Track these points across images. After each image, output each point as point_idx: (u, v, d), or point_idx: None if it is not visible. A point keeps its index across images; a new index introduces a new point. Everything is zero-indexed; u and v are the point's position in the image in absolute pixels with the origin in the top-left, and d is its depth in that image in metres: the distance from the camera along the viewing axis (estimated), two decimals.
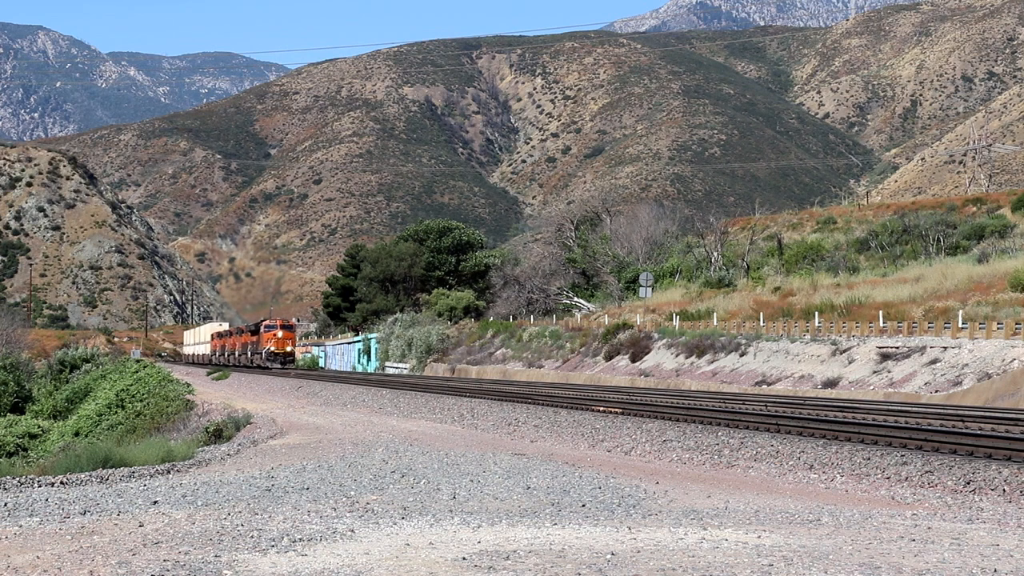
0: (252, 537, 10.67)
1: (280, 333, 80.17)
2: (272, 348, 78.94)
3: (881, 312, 43.24)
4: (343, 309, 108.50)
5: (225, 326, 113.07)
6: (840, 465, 17.16)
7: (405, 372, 75.58)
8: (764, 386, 42.33)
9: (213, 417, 34.70)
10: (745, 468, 18.13)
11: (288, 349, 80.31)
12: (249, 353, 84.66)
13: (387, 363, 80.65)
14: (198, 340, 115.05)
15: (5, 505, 14.73)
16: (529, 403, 32.34)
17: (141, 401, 46.36)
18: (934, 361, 36.80)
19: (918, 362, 37.44)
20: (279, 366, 77.68)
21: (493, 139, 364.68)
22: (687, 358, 50.38)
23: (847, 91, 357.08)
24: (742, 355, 46.88)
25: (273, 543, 10.32)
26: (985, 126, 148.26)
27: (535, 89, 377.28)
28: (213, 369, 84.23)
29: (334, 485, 15.32)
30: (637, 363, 53.71)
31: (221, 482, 16.48)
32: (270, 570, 9.13)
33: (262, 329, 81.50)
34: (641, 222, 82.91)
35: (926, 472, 15.83)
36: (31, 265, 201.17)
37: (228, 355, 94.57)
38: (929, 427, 19.95)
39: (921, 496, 14.50)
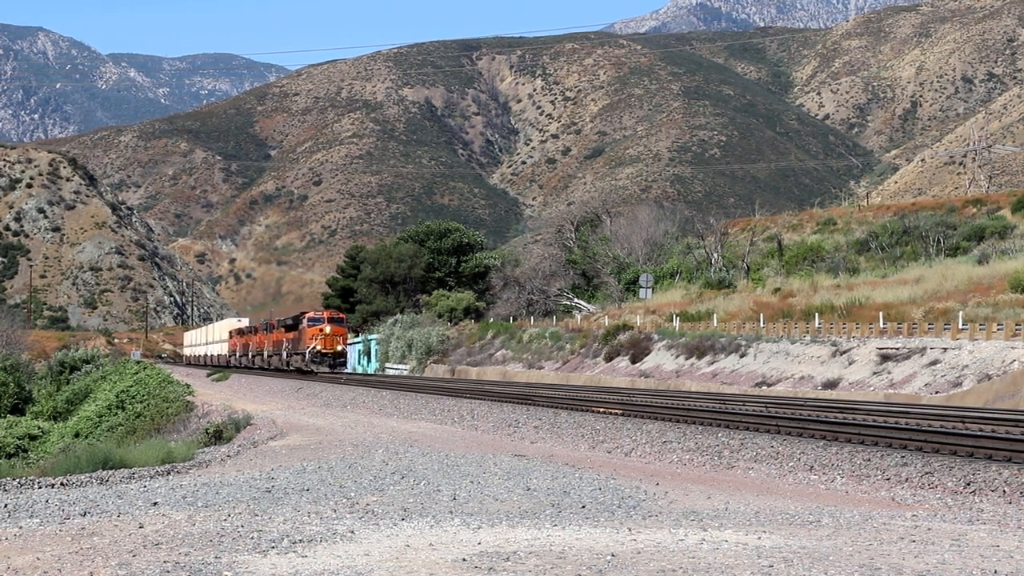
0: (252, 538, 10.67)
1: (328, 328, 65.64)
2: (319, 347, 65.04)
3: (881, 313, 43.25)
4: (343, 310, 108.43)
5: (245, 322, 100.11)
6: (840, 466, 17.16)
7: (405, 373, 75.49)
8: (764, 387, 42.33)
9: (213, 418, 34.69)
10: (745, 469, 18.13)
11: (339, 348, 66.50)
12: (285, 354, 71.37)
13: (387, 364, 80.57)
14: (211, 339, 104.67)
15: (5, 506, 14.73)
16: (529, 404, 32.33)
17: (141, 402, 46.34)
18: (934, 362, 36.80)
19: (918, 363, 37.44)
20: (327, 370, 64.09)
21: (493, 140, 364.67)
22: (687, 359, 50.38)
23: (847, 92, 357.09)
24: (742, 356, 46.88)
25: (273, 544, 10.32)
26: (985, 127, 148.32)
27: (535, 90, 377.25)
28: (214, 370, 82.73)
29: (334, 486, 15.32)
30: (637, 364, 53.71)
31: (221, 483, 16.48)
32: (270, 571, 9.12)
33: (304, 323, 67.03)
34: (641, 223, 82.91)
35: (926, 473, 15.83)
36: (31, 266, 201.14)
37: (253, 356, 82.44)
38: (929, 428, 19.95)
39: (921, 497, 14.51)
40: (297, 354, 68.01)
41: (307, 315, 68.49)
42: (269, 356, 76.78)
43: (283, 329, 73.23)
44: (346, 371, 68.36)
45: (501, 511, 12.63)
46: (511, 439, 24.36)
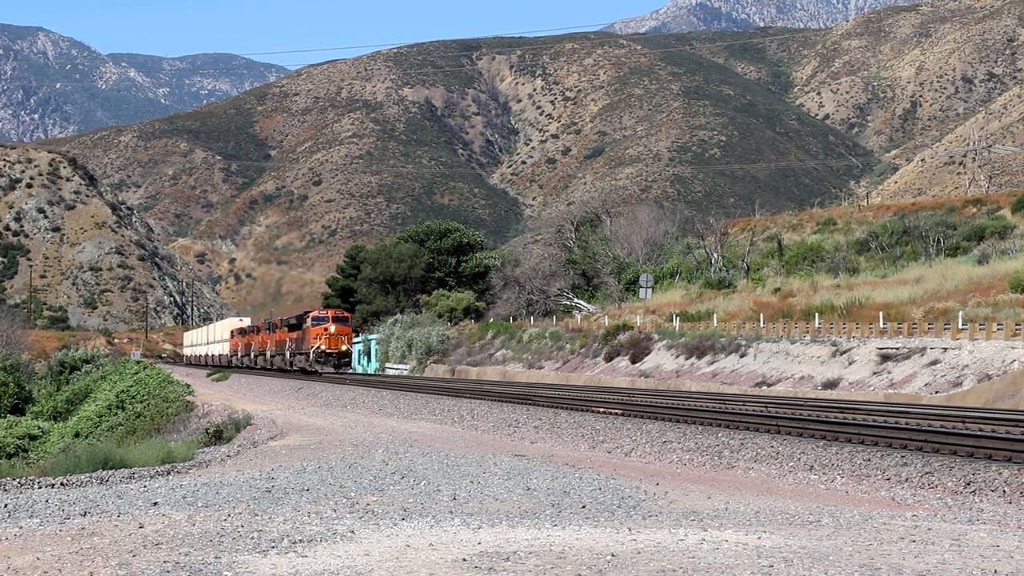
0: (252, 538, 10.67)
1: (333, 327, 64.30)
2: (323, 347, 63.66)
3: (881, 313, 43.25)
4: (345, 310, 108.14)
5: (247, 321, 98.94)
6: (840, 466, 17.16)
7: (405, 373, 75.50)
8: (764, 387, 42.33)
9: (213, 418, 34.69)
10: (745, 469, 18.13)
11: (344, 348, 65.08)
12: (288, 354, 70.26)
13: (387, 364, 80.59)
14: (212, 339, 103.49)
15: (5, 506, 14.73)
16: (529, 404, 32.32)
17: (141, 402, 46.36)
18: (934, 362, 36.80)
19: (918, 363, 37.44)
20: (332, 370, 63.07)
21: (493, 140, 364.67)
22: (687, 359, 50.38)
23: (847, 92, 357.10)
24: (742, 356, 46.88)
25: (273, 544, 10.32)
26: (985, 127, 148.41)
27: (535, 90, 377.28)
28: (214, 370, 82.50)
29: (334, 486, 15.32)
30: (637, 364, 53.71)
31: (221, 483, 16.48)
32: (270, 571, 9.12)
33: (308, 322, 65.57)
34: (641, 223, 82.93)
35: (926, 473, 15.83)
36: (31, 266, 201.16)
37: (255, 356, 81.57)
38: (929, 428, 19.95)
39: (921, 497, 14.51)
40: (301, 354, 66.70)
41: (311, 314, 66.93)
42: (272, 356, 75.39)
43: (286, 328, 71.70)
44: (351, 371, 66.46)
45: (501, 511, 12.63)
46: (511, 439, 24.35)
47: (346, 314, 70.41)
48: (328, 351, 63.71)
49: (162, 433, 35.62)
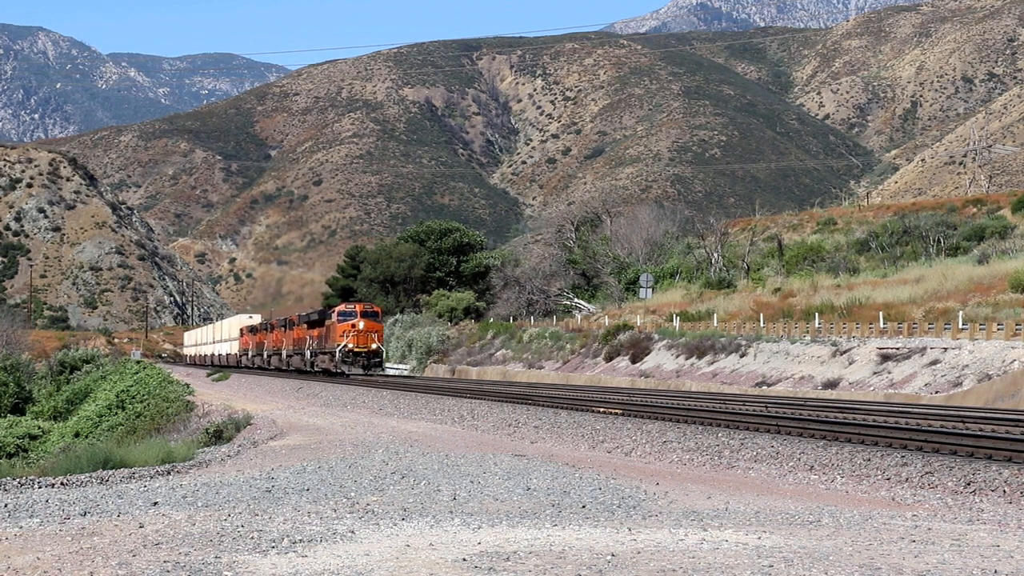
0: (252, 538, 10.67)
1: (361, 324, 58.24)
2: (350, 345, 57.98)
3: (881, 313, 43.26)
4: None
5: (257, 319, 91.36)
6: (840, 466, 17.16)
7: (405, 373, 75.48)
8: (764, 387, 42.33)
9: (213, 418, 34.69)
10: (745, 469, 18.13)
11: (374, 347, 59.06)
12: (308, 353, 64.57)
13: (387, 364, 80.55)
14: (219, 337, 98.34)
15: (6, 506, 14.73)
16: (529, 404, 32.32)
17: (141, 402, 46.36)
18: (934, 362, 36.80)
19: (918, 363, 37.44)
20: (361, 371, 57.67)
21: (493, 140, 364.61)
22: (687, 359, 50.39)
23: (847, 92, 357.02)
24: (742, 356, 46.88)
25: (273, 544, 10.31)
26: (985, 127, 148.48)
27: (535, 90, 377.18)
28: (214, 370, 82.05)
29: (334, 486, 15.32)
30: (637, 364, 53.72)
31: (221, 483, 16.48)
32: (270, 571, 9.12)
33: (334, 317, 59.56)
34: (641, 223, 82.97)
35: (926, 473, 15.83)
36: (31, 266, 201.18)
37: (269, 355, 76.38)
38: (929, 428, 19.96)
39: (921, 497, 14.50)
40: (324, 353, 61.18)
41: (336, 309, 61.31)
42: (288, 356, 70.31)
43: (306, 325, 66.13)
44: (381, 373, 60.82)
45: (501, 511, 12.63)
46: (511, 439, 24.34)
47: (376, 309, 63.78)
48: (357, 350, 58.20)
49: (162, 433, 35.62)
